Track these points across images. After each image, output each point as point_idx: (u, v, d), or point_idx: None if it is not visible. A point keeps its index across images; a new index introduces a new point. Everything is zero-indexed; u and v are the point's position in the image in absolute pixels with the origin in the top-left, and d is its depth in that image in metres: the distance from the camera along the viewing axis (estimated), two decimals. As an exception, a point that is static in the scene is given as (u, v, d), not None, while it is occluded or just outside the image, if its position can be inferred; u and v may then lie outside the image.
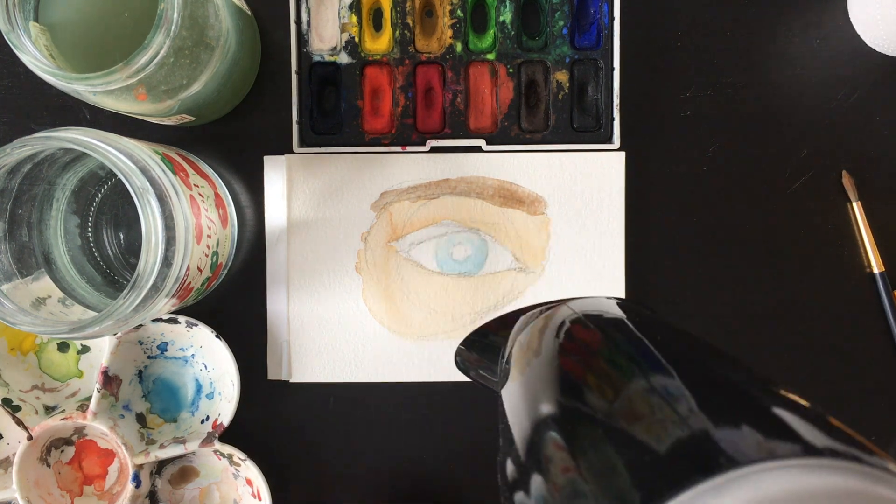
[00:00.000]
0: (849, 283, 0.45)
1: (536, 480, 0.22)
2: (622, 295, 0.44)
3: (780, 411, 0.18)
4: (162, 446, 0.43)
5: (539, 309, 0.33)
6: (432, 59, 0.44)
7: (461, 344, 0.39)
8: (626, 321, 0.28)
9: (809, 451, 0.16)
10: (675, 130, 0.45)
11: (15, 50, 0.33)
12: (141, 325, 0.43)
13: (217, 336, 0.43)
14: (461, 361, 0.39)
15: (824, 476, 0.15)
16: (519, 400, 0.27)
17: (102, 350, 0.44)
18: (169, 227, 0.33)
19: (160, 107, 0.36)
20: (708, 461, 0.16)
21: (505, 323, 0.36)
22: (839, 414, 0.48)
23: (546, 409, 0.24)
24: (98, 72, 0.32)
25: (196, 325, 0.43)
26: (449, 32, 0.44)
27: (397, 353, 0.45)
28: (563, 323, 0.29)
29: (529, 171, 0.44)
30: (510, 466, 0.24)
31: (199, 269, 0.38)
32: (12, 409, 0.43)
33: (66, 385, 0.45)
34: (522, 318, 0.33)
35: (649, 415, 0.20)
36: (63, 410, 0.43)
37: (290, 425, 0.45)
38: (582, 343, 0.27)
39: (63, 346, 0.45)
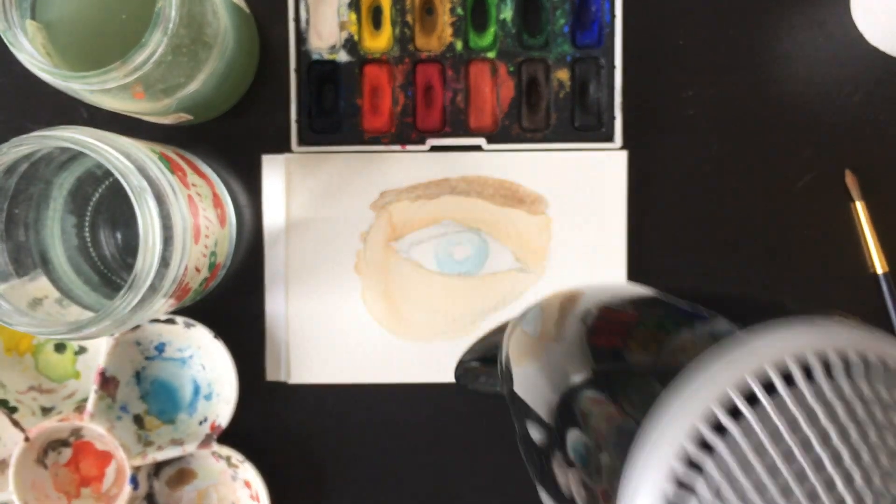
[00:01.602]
0: (852, 284, 0.45)
1: (573, 434, 0.21)
2: (624, 295, 0.44)
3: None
4: (159, 448, 0.43)
5: (526, 309, 0.33)
6: (432, 58, 0.44)
7: (461, 357, 0.39)
8: (655, 295, 0.26)
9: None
10: (678, 129, 0.44)
11: (11, 48, 0.32)
12: (138, 326, 0.43)
13: (215, 337, 0.43)
14: (461, 374, 0.38)
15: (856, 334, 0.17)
16: (538, 381, 0.26)
17: (99, 351, 0.44)
18: (167, 227, 0.33)
19: (158, 105, 0.36)
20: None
21: (500, 328, 0.36)
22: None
23: (577, 378, 0.23)
24: (95, 70, 0.32)
25: (194, 326, 0.43)
26: (449, 30, 0.44)
27: (397, 353, 0.44)
28: (587, 310, 0.28)
29: (530, 170, 0.44)
30: (536, 435, 0.23)
31: (197, 270, 0.37)
32: (9, 410, 0.43)
33: (63, 386, 0.45)
34: (510, 322, 0.33)
35: (694, 346, 0.19)
36: (60, 412, 0.43)
37: (289, 427, 0.45)
38: (617, 322, 0.26)
39: (60, 347, 0.45)
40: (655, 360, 0.21)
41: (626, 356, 0.23)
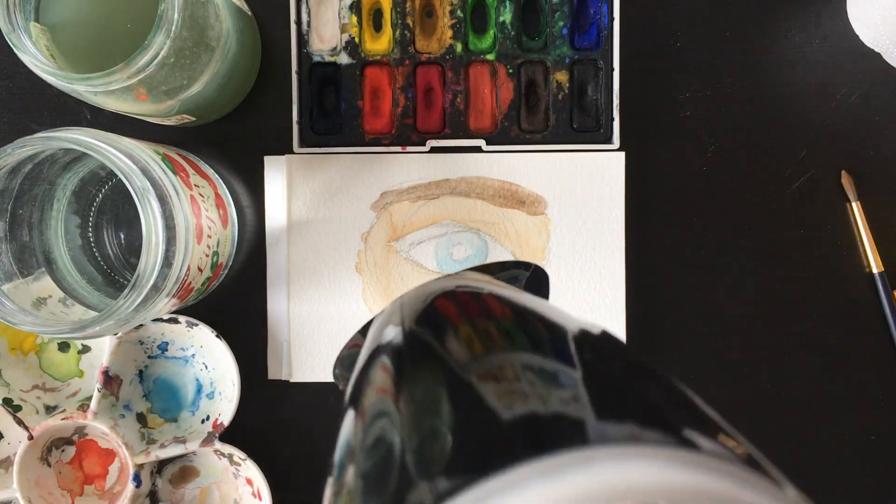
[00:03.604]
0: (848, 284, 0.45)
1: (349, 415, 0.19)
2: (622, 295, 0.44)
3: (689, 433, 0.13)
4: (162, 446, 0.44)
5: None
6: (432, 60, 0.44)
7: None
8: (568, 332, 0.20)
9: (683, 442, 0.12)
10: (675, 131, 0.45)
11: (15, 50, 0.33)
12: (141, 325, 0.43)
13: (217, 336, 0.43)
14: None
15: (687, 471, 0.12)
16: (370, 336, 0.23)
17: (103, 350, 0.44)
18: (169, 227, 0.33)
19: (161, 107, 0.37)
20: (547, 438, 0.12)
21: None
22: (837, 414, 0.48)
23: (390, 334, 0.21)
24: (98, 72, 0.32)
25: (196, 325, 0.43)
26: (449, 33, 0.44)
27: (397, 352, 0.45)
28: (477, 287, 0.24)
29: (529, 171, 0.44)
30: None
31: (200, 269, 0.38)
32: (13, 408, 0.43)
33: (66, 385, 0.45)
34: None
35: (511, 382, 0.16)
36: (64, 410, 0.43)
37: (291, 425, 0.45)
38: (482, 304, 0.22)
39: (64, 346, 0.45)
40: (466, 363, 0.18)
41: (447, 335, 0.20)
